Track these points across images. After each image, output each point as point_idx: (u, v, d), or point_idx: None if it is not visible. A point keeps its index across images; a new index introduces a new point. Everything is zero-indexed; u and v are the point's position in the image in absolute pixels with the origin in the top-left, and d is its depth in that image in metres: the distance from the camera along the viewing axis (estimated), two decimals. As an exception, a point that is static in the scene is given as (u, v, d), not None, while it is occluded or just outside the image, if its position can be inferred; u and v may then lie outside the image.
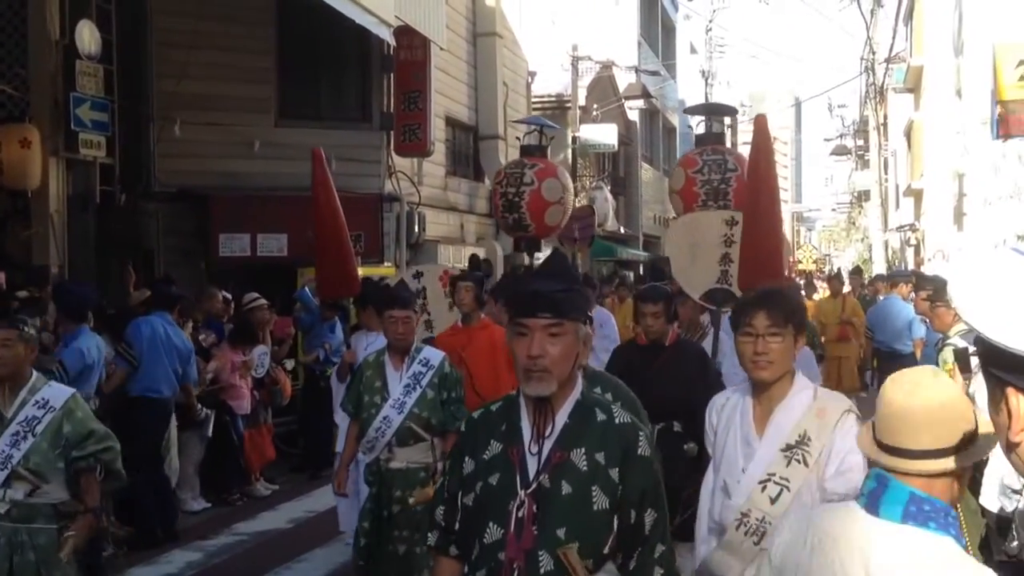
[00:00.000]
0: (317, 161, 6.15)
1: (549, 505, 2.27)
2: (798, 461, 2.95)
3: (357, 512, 6.16)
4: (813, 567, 1.77)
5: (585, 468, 2.28)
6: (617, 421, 2.34)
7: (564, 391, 2.33)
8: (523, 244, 8.49)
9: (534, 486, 2.29)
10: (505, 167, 8.52)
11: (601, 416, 2.35)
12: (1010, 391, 1.16)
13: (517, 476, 2.31)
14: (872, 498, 1.75)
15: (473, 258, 7.09)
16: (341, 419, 6.73)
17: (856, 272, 16.93)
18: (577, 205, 10.96)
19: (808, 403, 3.01)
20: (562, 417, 2.33)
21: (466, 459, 2.40)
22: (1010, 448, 1.19)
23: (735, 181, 7.70)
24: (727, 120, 39.16)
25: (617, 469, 2.28)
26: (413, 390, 4.86)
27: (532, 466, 2.31)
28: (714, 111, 9.03)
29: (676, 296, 6.42)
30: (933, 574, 1.59)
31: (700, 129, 8.82)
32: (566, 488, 2.27)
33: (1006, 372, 1.15)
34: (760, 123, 5.84)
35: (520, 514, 2.27)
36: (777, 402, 3.03)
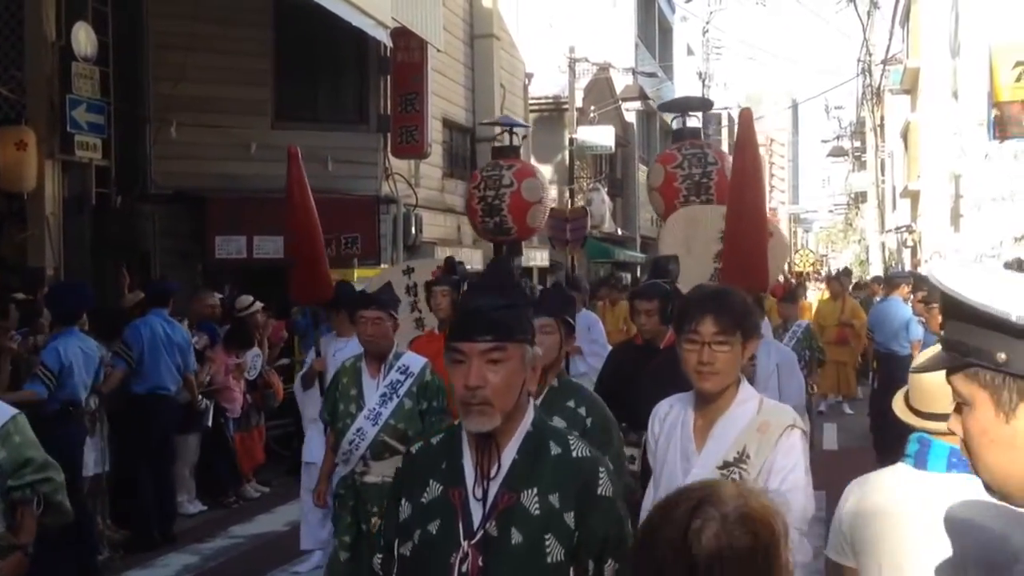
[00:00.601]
0: (292, 159, 5.95)
1: (497, 557, 1.97)
2: (735, 481, 2.65)
3: (323, 529, 5.95)
4: (884, 525, 2.06)
5: (537, 512, 1.98)
6: (574, 455, 2.05)
7: (511, 423, 2.04)
8: (504, 248, 8.23)
9: (479, 535, 1.99)
10: (481, 170, 8.28)
11: (556, 449, 2.05)
12: None
13: (459, 523, 2.00)
14: (919, 457, 2.11)
15: (449, 260, 6.64)
16: (308, 428, 6.56)
17: (845, 274, 16.70)
18: (575, 206, 10.76)
19: (751, 416, 2.75)
20: (510, 453, 2.04)
21: (403, 502, 2.10)
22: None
23: (716, 175, 7.46)
24: (724, 122, 38.94)
25: (573, 512, 1.99)
26: (389, 400, 4.52)
27: (477, 512, 2.00)
28: (689, 106, 8.79)
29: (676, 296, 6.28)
30: (983, 510, 1.73)
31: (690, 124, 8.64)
32: (516, 537, 1.98)
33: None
34: (745, 117, 5.63)
35: (464, 568, 1.97)
36: (719, 414, 2.77)
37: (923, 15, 24.21)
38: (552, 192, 22.34)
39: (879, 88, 28.62)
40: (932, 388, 2.16)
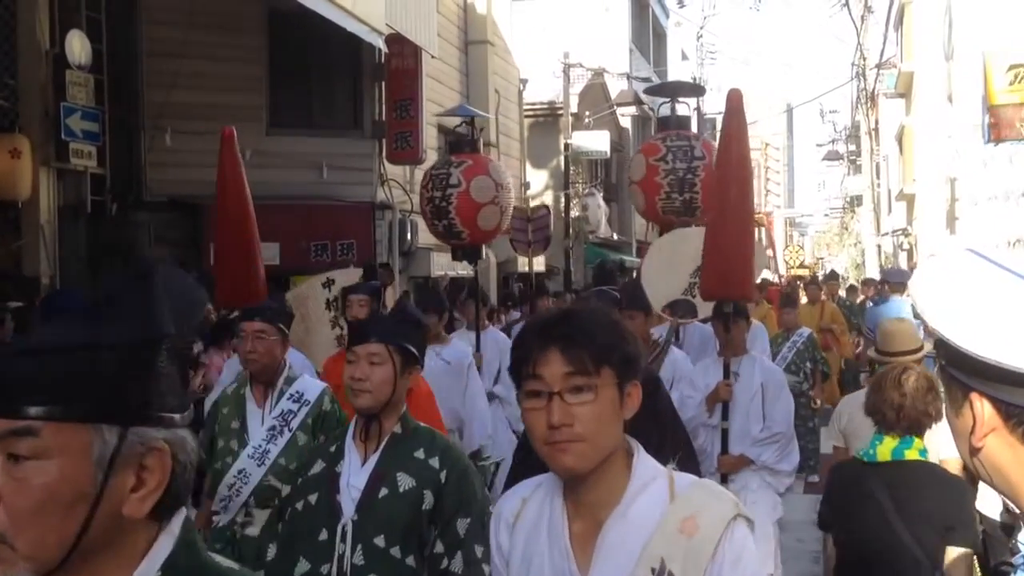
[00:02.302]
0: (225, 142, 5.20)
1: None
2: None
3: None
4: (861, 420, 3.70)
5: None
6: None
7: None
8: (459, 253, 7.37)
9: None
10: (430, 168, 7.43)
11: None
12: (974, 396, 1.16)
13: None
14: None
15: (367, 265, 5.97)
16: None
17: (831, 278, 16.15)
18: (536, 204, 9.98)
19: (662, 506, 1.73)
20: None
21: None
22: (972, 453, 1.19)
23: (703, 171, 6.58)
24: (717, 127, 39.00)
25: None
26: (280, 435, 3.69)
27: None
28: (679, 91, 7.90)
29: (623, 308, 5.88)
30: None
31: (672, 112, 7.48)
32: None
33: (970, 377, 1.15)
34: (734, 100, 4.83)
35: None
36: (606, 509, 1.74)
37: (917, 19, 24.28)
38: (547, 198, 22.43)
39: (873, 92, 28.69)
40: (890, 334, 4.38)
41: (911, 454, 3.26)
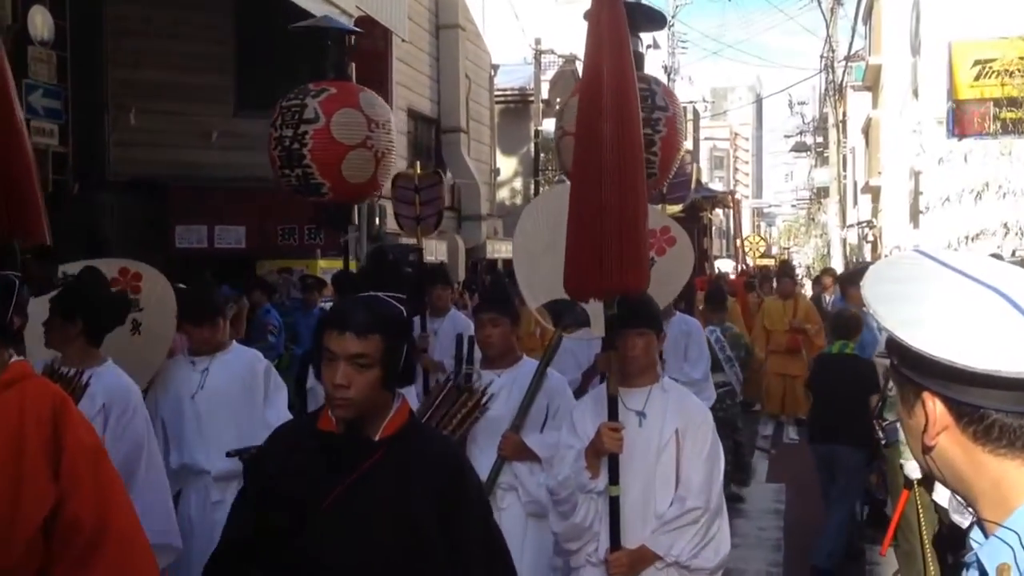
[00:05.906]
0: None
1: None
2: None
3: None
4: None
5: None
6: None
7: None
8: (323, 216, 5.45)
9: None
10: (281, 100, 5.24)
11: None
12: (926, 395, 1.17)
13: None
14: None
15: (38, 251, 3.76)
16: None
17: (786, 273, 14.71)
18: (425, 171, 7.30)
19: None
20: None
21: None
22: (925, 451, 1.20)
23: (665, 125, 4.64)
24: (689, 116, 39.31)
25: None
26: None
27: None
28: (633, 19, 3.67)
29: (478, 309, 4.02)
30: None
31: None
32: None
33: (922, 377, 1.16)
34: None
35: None
36: None
37: (885, 13, 24.51)
38: (517, 184, 22.42)
39: (842, 84, 28.96)
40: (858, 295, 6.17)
41: (849, 350, 6.22)
